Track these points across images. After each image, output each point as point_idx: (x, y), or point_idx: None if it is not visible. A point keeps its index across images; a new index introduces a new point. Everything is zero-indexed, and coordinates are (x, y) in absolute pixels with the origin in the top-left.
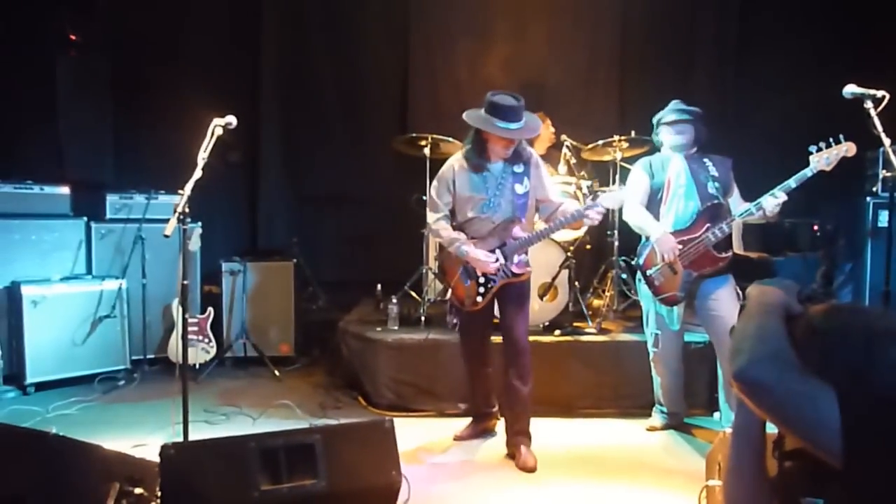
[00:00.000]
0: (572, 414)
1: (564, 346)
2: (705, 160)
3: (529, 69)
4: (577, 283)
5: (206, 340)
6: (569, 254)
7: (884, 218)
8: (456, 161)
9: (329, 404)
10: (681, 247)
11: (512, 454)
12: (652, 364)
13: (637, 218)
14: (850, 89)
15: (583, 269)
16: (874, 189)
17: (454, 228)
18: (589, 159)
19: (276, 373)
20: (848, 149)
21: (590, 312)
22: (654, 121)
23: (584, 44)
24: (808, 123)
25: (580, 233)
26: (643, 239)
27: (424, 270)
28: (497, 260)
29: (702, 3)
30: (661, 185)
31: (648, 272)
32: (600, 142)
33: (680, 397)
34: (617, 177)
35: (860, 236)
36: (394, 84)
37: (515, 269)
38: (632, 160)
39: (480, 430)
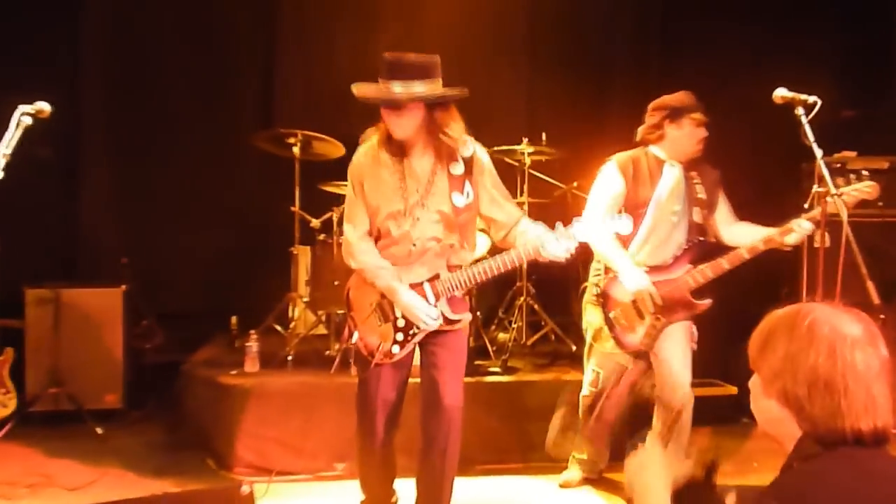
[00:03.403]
0: (469, 471)
1: (463, 389)
2: (692, 172)
3: (416, 49)
4: (478, 314)
5: (3, 391)
6: None
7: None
8: (369, 147)
9: (170, 468)
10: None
11: None
12: (581, 402)
13: (606, 249)
14: (780, 93)
15: (485, 297)
16: (805, 205)
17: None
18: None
19: (99, 430)
20: (871, 190)
21: (494, 348)
22: (664, 107)
23: (486, 32)
24: (738, 130)
25: (481, 253)
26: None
27: (292, 298)
28: (437, 314)
29: None
30: (642, 202)
31: (611, 314)
32: (505, 147)
33: (606, 444)
34: (525, 187)
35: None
36: (257, 70)
37: (451, 314)
38: (542, 169)
39: None
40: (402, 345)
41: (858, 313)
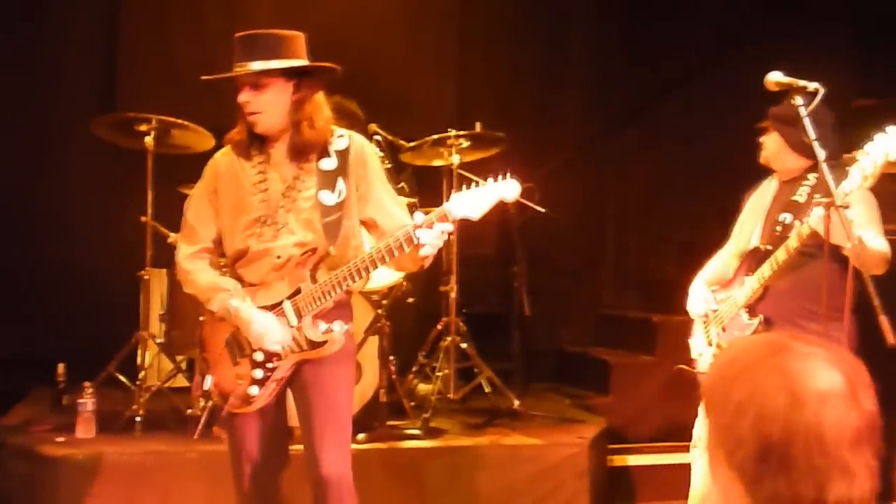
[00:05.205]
0: None
1: (372, 457)
2: (810, 175)
3: (320, 21)
4: (392, 359)
5: None
6: (380, 311)
7: None
8: (224, 151)
9: None
10: (715, 308)
11: None
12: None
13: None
14: (774, 78)
15: (402, 336)
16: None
17: (225, 272)
18: (411, 163)
19: None
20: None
21: (412, 404)
22: None
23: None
24: (726, 122)
25: (396, 278)
26: None
27: (142, 339)
28: (284, 335)
29: None
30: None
31: (689, 340)
32: (432, 137)
33: None
34: (452, 190)
35: None
36: (96, 38)
37: (314, 335)
38: (474, 166)
39: None
40: (261, 384)
41: (840, 355)
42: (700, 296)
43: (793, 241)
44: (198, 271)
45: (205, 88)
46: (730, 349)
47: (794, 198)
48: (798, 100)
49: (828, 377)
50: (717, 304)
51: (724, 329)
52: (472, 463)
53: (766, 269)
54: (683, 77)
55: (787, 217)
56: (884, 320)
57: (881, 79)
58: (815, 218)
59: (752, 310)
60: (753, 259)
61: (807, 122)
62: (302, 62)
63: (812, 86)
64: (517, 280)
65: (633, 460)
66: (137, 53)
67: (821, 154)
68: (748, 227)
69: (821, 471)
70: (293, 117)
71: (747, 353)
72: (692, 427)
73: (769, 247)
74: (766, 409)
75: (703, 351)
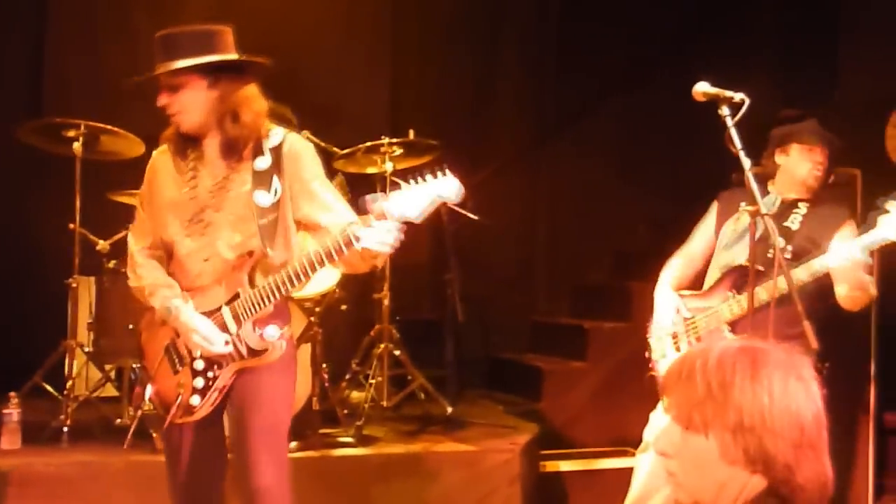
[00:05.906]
0: None
1: (305, 466)
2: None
3: (252, 27)
4: (325, 366)
5: None
6: (313, 318)
7: None
8: (161, 150)
9: None
10: (689, 315)
11: None
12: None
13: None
14: (701, 88)
15: (335, 344)
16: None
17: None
18: (344, 170)
19: None
20: None
21: (345, 412)
22: (778, 134)
23: (336, 9)
24: (652, 124)
25: (329, 285)
26: None
27: (70, 348)
28: (227, 336)
29: None
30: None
31: (649, 337)
32: (365, 144)
33: None
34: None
35: None
36: (22, 40)
37: (253, 342)
38: (407, 174)
39: None
40: (202, 393)
41: (792, 350)
42: (670, 303)
43: (802, 274)
44: (147, 266)
45: (134, 92)
46: (702, 363)
47: (786, 224)
48: (724, 109)
49: (807, 369)
50: (690, 311)
51: (698, 339)
52: (406, 470)
53: (762, 294)
54: (615, 86)
55: (780, 241)
56: (808, 325)
57: (806, 89)
58: (835, 257)
59: (733, 327)
60: (739, 276)
61: (733, 132)
62: (220, 57)
63: (738, 96)
64: (450, 287)
65: (566, 466)
66: (65, 56)
67: (746, 163)
68: (728, 238)
69: (825, 449)
70: (216, 114)
71: (724, 363)
72: (624, 433)
73: (761, 268)
74: (790, 405)
75: (668, 356)
